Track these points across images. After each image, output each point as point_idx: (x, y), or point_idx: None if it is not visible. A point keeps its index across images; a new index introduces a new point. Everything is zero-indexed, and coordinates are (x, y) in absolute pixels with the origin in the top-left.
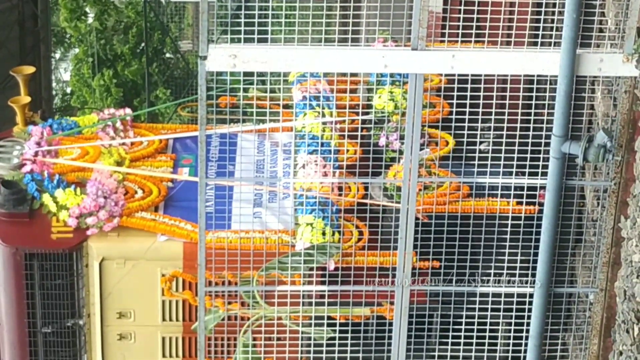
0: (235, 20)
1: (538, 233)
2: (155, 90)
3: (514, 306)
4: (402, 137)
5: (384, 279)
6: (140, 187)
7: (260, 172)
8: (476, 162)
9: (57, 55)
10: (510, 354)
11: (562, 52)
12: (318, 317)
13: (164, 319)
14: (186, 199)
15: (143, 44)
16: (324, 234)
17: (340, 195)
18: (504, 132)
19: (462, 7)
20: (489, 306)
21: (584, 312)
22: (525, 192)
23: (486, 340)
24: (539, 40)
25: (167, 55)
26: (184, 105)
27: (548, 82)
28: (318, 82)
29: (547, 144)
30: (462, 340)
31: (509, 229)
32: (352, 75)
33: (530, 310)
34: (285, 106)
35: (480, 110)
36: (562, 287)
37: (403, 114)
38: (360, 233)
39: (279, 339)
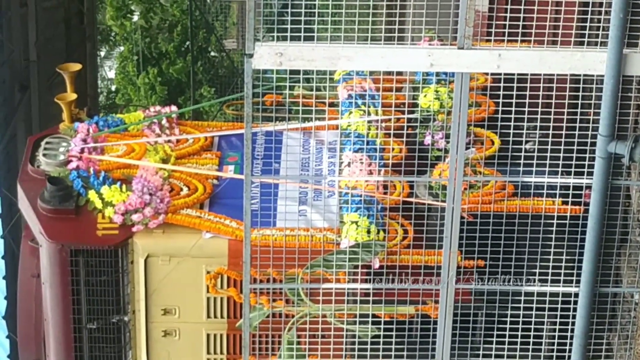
0: (281, 18)
1: (583, 233)
2: (199, 88)
3: (559, 306)
4: (447, 136)
5: (428, 278)
6: (185, 184)
7: (305, 170)
8: (522, 162)
9: (103, 53)
10: (554, 354)
11: (609, 52)
12: (363, 315)
13: (208, 316)
14: (231, 196)
15: (188, 43)
16: (369, 232)
17: (385, 193)
18: (550, 132)
19: (509, 6)
20: (534, 305)
21: (629, 312)
22: (570, 192)
23: (531, 340)
24: (586, 39)
25: (212, 53)
26: (229, 104)
27: (594, 82)
28: (364, 80)
29: (593, 144)
30: (506, 340)
31: (554, 229)
32: (398, 73)
33: (575, 310)
34: (331, 104)
35: (526, 109)
36: (607, 287)
37: (449, 113)
38: (405, 231)
39: (323, 336)
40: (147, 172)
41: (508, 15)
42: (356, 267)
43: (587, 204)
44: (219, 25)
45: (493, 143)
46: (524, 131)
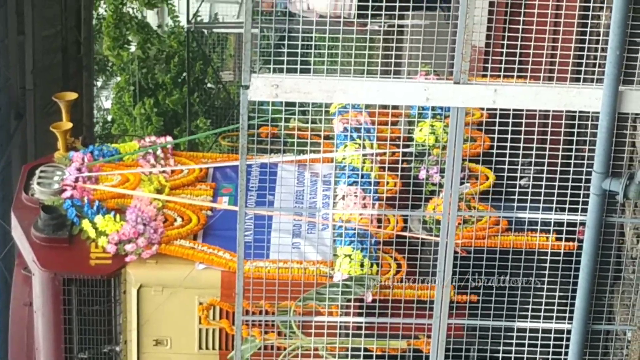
0: (278, 50)
1: (577, 269)
2: (195, 119)
3: (552, 342)
4: (442, 171)
5: (421, 312)
6: (179, 215)
7: (299, 203)
8: (516, 197)
9: (99, 84)
10: None
11: (605, 89)
12: (355, 349)
13: (200, 348)
14: (225, 227)
15: (185, 74)
16: (362, 265)
17: (379, 227)
18: (545, 168)
19: (505, 42)
20: (527, 342)
21: (621, 350)
22: (564, 228)
23: None
24: (582, 76)
25: (209, 85)
26: (224, 135)
27: (590, 119)
28: (359, 114)
29: (588, 180)
30: None
31: (547, 265)
32: (394, 107)
33: (567, 346)
34: (326, 137)
35: (521, 145)
36: (599, 324)
37: (444, 148)
38: (399, 265)
39: None
40: (141, 202)
41: (504, 50)
42: (349, 300)
43: (580, 241)
44: (216, 57)
45: (488, 178)
46: (519, 167)
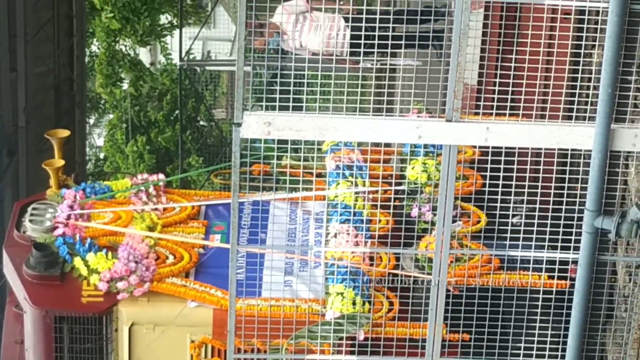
0: (270, 88)
1: (569, 308)
2: (188, 157)
3: None
4: (434, 209)
5: (413, 350)
6: (171, 252)
7: (291, 241)
8: (508, 235)
9: (92, 121)
10: None
11: (597, 127)
12: None
13: None
14: (217, 265)
15: (177, 111)
16: (354, 303)
17: (371, 265)
18: (537, 206)
19: (497, 80)
20: None
21: None
22: (557, 267)
23: None
24: (574, 114)
25: (201, 122)
26: (216, 173)
27: (582, 157)
28: (351, 151)
29: (580, 219)
30: None
31: (540, 303)
32: (386, 145)
33: None
34: (319, 175)
35: (514, 183)
36: None
37: (436, 186)
38: (391, 304)
39: None
40: (134, 239)
41: (497, 88)
42: (341, 338)
43: (573, 279)
44: (208, 95)
45: (480, 220)
46: (511, 205)
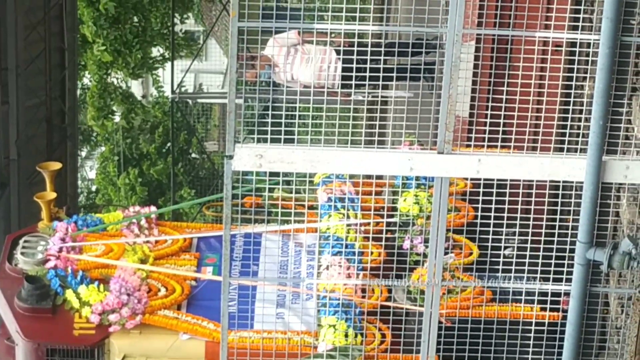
0: (262, 120)
1: (561, 339)
2: (180, 189)
3: None
4: (426, 241)
5: None
6: (163, 285)
7: (283, 273)
8: (500, 267)
9: (84, 153)
10: None
11: (588, 159)
12: None
13: None
14: (209, 298)
15: (169, 144)
16: (346, 336)
17: (363, 297)
18: (529, 238)
19: (489, 112)
20: None
21: None
22: (549, 298)
23: None
24: (565, 146)
25: (193, 155)
26: (208, 205)
27: (574, 188)
28: (343, 184)
29: (572, 250)
30: None
31: (532, 335)
32: (378, 177)
33: None
34: (310, 207)
35: (505, 215)
36: None
37: (428, 218)
38: (383, 336)
39: None
40: (125, 272)
41: (488, 120)
42: None
43: (565, 311)
44: (200, 127)
45: (472, 252)
46: (503, 237)
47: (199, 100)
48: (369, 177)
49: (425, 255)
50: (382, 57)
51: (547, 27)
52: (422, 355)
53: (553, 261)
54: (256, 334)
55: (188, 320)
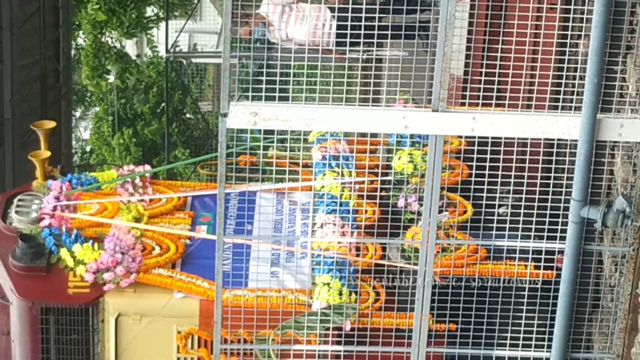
0: (257, 78)
1: (555, 298)
2: (174, 150)
3: None
4: (420, 199)
5: (400, 341)
6: (158, 243)
7: (278, 232)
8: (494, 225)
9: (78, 114)
10: None
11: (583, 117)
12: None
13: None
14: (204, 256)
15: (163, 104)
16: (340, 294)
17: (357, 255)
18: (523, 196)
19: (484, 70)
20: None
21: None
22: (543, 256)
23: None
24: (560, 104)
25: (187, 115)
26: (203, 164)
27: (568, 147)
28: (338, 142)
29: (566, 209)
30: None
31: (526, 293)
32: (372, 136)
33: None
34: (305, 166)
35: (500, 173)
36: (578, 353)
37: (422, 176)
38: (377, 294)
39: None
40: (120, 230)
41: (483, 79)
42: (327, 329)
43: (559, 269)
44: (194, 87)
45: (466, 210)
46: (498, 195)
47: (194, 60)
48: (364, 135)
49: (419, 214)
50: (377, 16)
51: None
52: (415, 313)
53: (547, 219)
54: (250, 292)
55: (182, 278)
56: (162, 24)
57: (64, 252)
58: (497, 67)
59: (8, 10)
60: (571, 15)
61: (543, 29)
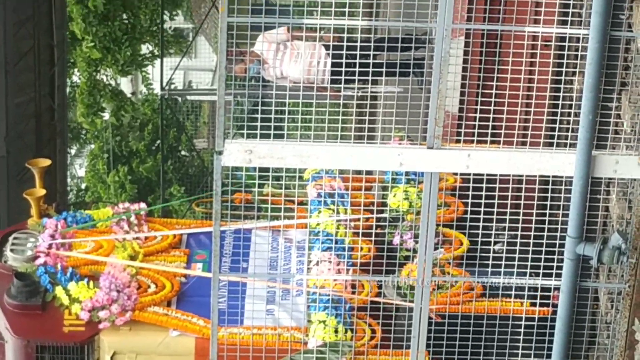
0: (252, 115)
1: (551, 334)
2: (169, 187)
3: None
4: (416, 236)
5: None
6: (153, 281)
7: (273, 269)
8: (490, 262)
9: (73, 151)
10: None
11: (578, 153)
12: None
13: None
14: (199, 294)
15: (158, 141)
16: (336, 331)
17: (353, 293)
18: (519, 233)
19: (478, 107)
20: None
21: None
22: (539, 293)
23: None
24: (555, 140)
25: (183, 152)
26: (198, 202)
27: (563, 183)
28: (333, 179)
29: (562, 245)
30: None
31: (522, 330)
32: (368, 173)
33: None
34: (300, 203)
35: (495, 210)
36: None
37: (418, 213)
38: (373, 332)
39: None
40: (115, 268)
41: (478, 115)
42: None
43: (555, 306)
44: (189, 125)
45: (462, 244)
46: (493, 232)
47: (189, 98)
48: (359, 172)
49: (415, 251)
50: (371, 53)
51: (536, 21)
52: (412, 351)
53: (543, 256)
54: (246, 330)
55: (178, 316)
56: (157, 62)
57: (59, 290)
58: (492, 103)
59: (3, 47)
60: (566, 52)
61: (538, 66)
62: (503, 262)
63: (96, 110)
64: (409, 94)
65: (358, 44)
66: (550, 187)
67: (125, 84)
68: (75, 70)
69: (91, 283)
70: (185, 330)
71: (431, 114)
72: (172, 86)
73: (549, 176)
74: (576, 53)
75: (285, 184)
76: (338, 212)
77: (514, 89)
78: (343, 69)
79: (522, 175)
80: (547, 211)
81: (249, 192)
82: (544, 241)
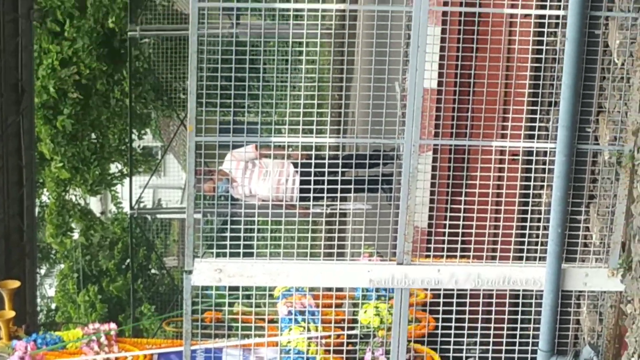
0: (221, 234)
1: None
2: (140, 306)
3: None
4: (387, 352)
5: None
6: None
7: None
8: None
9: (43, 271)
10: None
11: (548, 267)
12: None
13: None
14: None
15: (128, 260)
16: None
17: None
18: (490, 347)
19: (447, 222)
20: None
21: None
22: None
23: None
24: (524, 254)
25: (153, 271)
26: (168, 321)
27: (534, 297)
28: (303, 297)
29: (534, 359)
30: None
31: None
32: (338, 289)
33: None
34: (271, 321)
35: (466, 325)
36: None
37: (389, 329)
38: None
39: None
40: None
41: (447, 230)
42: None
43: None
44: (159, 243)
45: None
46: (465, 347)
47: (158, 216)
48: (329, 289)
49: None
50: (340, 170)
51: (503, 136)
52: None
53: None
54: None
55: None
56: (126, 180)
57: None
58: (461, 218)
59: None
60: (533, 166)
61: (506, 180)
62: None
63: (65, 230)
64: (378, 209)
65: (326, 161)
66: (520, 300)
67: (94, 203)
68: (44, 190)
69: None
70: None
71: (400, 229)
72: (142, 204)
73: (519, 290)
74: (544, 167)
75: (256, 302)
76: (309, 330)
77: (483, 203)
78: (312, 186)
79: (492, 290)
80: (518, 325)
81: (219, 310)
82: (516, 355)
